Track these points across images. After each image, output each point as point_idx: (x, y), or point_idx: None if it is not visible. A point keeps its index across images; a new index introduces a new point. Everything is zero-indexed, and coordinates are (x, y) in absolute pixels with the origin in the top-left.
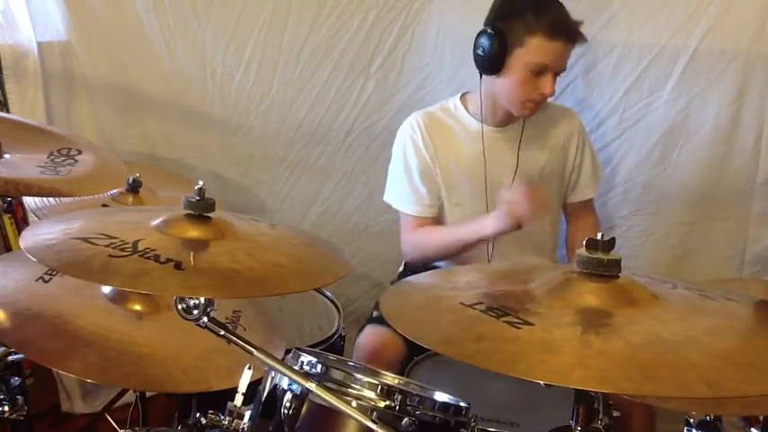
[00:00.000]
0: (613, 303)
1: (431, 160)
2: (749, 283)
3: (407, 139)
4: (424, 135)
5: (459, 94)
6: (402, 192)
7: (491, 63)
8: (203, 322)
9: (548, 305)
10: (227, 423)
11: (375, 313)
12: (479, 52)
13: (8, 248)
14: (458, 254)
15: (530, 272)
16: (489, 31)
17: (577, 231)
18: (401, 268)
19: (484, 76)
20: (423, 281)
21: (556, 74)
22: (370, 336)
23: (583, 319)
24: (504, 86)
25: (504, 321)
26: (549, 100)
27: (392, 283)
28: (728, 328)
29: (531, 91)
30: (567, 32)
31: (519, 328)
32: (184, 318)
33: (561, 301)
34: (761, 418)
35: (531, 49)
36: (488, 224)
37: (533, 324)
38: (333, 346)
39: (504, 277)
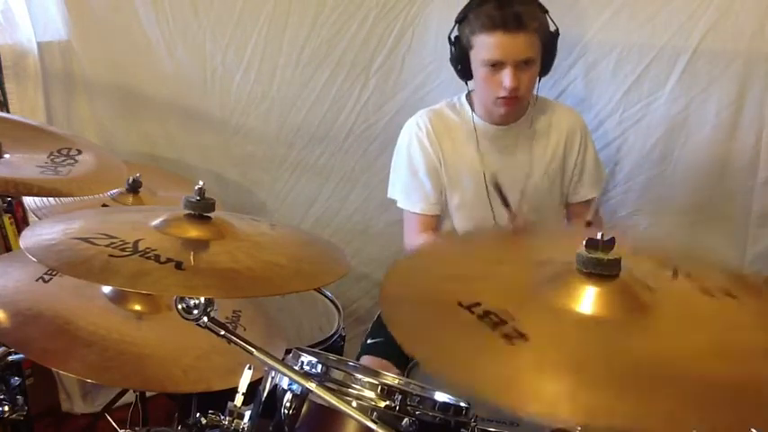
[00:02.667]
0: (612, 311)
1: (436, 159)
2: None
3: (413, 136)
4: (430, 133)
5: (466, 92)
6: (407, 189)
7: (459, 70)
8: (203, 322)
9: (545, 309)
10: (227, 423)
11: (370, 340)
12: (451, 62)
13: (8, 248)
14: None
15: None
16: (450, 40)
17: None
18: None
19: (468, 81)
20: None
21: (515, 66)
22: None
23: (578, 332)
24: (477, 89)
25: (498, 333)
26: (552, 99)
27: None
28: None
29: (496, 88)
30: (504, 22)
31: (513, 344)
32: (184, 318)
33: (561, 303)
34: None
35: (479, 48)
36: None
37: (527, 339)
38: (333, 346)
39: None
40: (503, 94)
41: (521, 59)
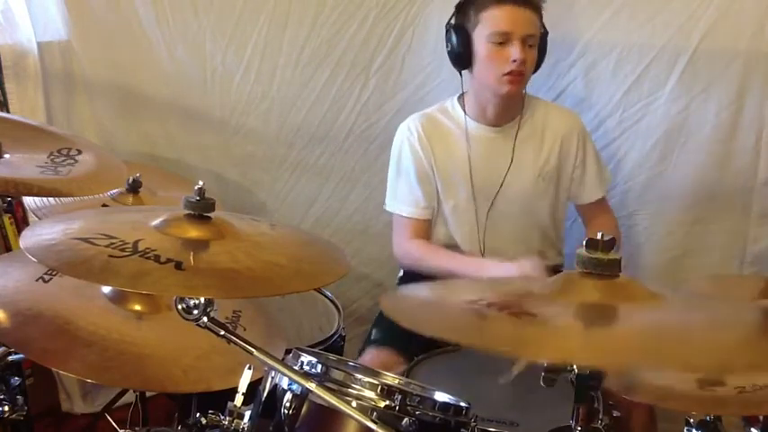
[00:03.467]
0: (614, 299)
1: (428, 164)
2: (747, 278)
3: (404, 141)
4: (422, 138)
5: (458, 95)
6: (397, 194)
7: (461, 55)
8: (203, 322)
9: (550, 303)
10: (227, 423)
11: (374, 334)
12: (449, 51)
13: (8, 248)
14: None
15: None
16: (450, 27)
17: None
18: (401, 273)
19: (466, 75)
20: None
21: (522, 41)
22: (371, 358)
23: (585, 314)
24: (479, 70)
25: (507, 314)
26: (551, 99)
27: None
28: (732, 322)
29: (502, 63)
30: None
31: (520, 318)
32: (184, 318)
33: (563, 298)
34: (761, 418)
35: (486, 23)
36: (493, 271)
37: (536, 315)
38: (333, 346)
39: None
40: (509, 68)
41: (527, 34)
